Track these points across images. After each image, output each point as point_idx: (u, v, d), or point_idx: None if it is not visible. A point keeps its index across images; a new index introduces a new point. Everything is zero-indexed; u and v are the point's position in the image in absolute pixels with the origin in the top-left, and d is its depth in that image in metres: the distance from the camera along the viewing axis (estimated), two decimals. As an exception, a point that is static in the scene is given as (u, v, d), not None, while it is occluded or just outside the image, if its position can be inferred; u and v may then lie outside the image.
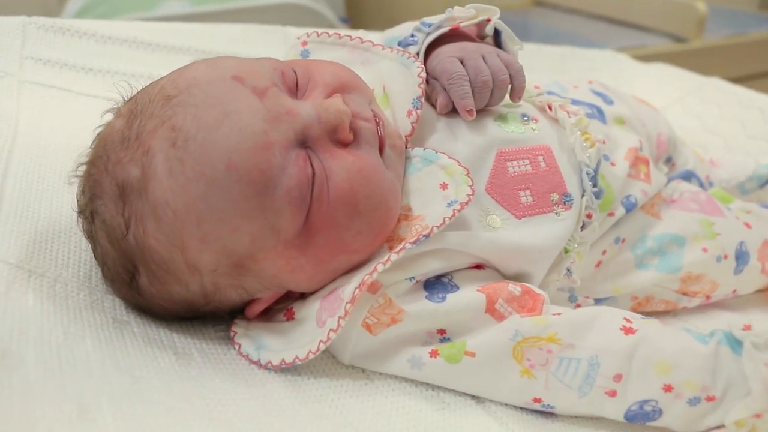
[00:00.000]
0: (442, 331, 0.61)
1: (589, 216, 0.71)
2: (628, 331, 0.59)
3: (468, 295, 0.61)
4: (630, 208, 0.78)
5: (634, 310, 0.82)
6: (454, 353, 0.59)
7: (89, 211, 0.58)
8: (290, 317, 0.62)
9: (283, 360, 0.58)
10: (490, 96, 0.69)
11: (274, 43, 1.07)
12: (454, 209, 0.59)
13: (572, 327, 0.59)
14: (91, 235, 0.60)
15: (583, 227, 0.71)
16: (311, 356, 0.57)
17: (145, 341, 0.57)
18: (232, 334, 0.62)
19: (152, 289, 0.58)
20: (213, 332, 0.63)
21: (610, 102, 0.91)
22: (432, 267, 0.61)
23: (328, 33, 0.74)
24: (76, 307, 0.57)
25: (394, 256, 0.57)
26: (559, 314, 0.61)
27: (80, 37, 0.90)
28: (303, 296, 0.63)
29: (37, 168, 0.72)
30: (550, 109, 0.74)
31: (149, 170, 0.54)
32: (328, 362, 0.62)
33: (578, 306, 0.79)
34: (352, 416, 0.55)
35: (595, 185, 0.72)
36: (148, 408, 0.48)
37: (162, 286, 0.58)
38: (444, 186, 0.63)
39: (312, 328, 0.59)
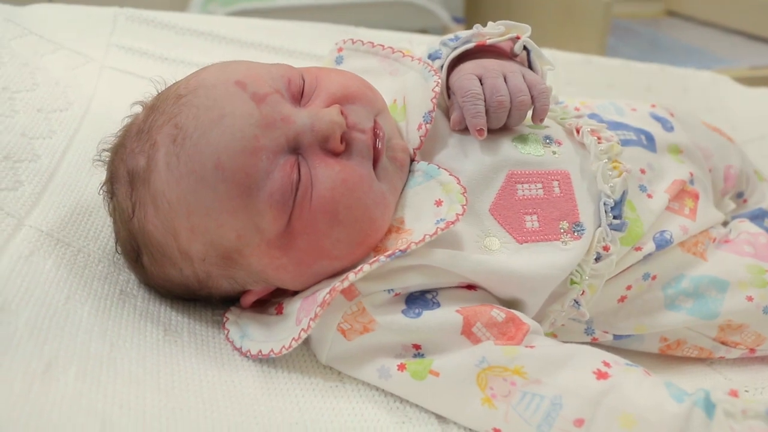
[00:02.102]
0: (417, 346, 0.61)
1: (606, 248, 0.67)
2: (602, 375, 0.56)
3: (444, 315, 0.60)
4: (663, 244, 0.73)
5: (662, 352, 0.78)
6: (420, 370, 0.59)
7: (108, 193, 0.65)
8: (279, 312, 0.65)
9: (260, 351, 0.61)
10: (508, 116, 0.68)
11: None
12: (438, 227, 0.59)
13: (542, 362, 0.57)
14: (110, 214, 0.66)
15: (598, 259, 0.68)
16: (284, 351, 0.60)
17: (141, 315, 0.63)
18: (224, 319, 0.66)
19: (152, 269, 0.63)
20: (210, 316, 0.68)
21: (669, 128, 0.85)
22: (413, 282, 0.62)
23: (362, 41, 0.76)
24: (90, 276, 0.64)
25: (367, 267, 0.58)
26: (532, 347, 0.59)
27: (162, 29, 0.99)
28: (295, 293, 0.66)
29: (95, 147, 0.80)
30: (578, 132, 0.71)
31: (153, 162, 0.60)
32: (308, 360, 0.64)
33: (594, 340, 0.76)
34: (308, 414, 0.57)
35: (618, 217, 0.68)
36: (113, 375, 0.53)
37: (160, 267, 0.63)
38: (439, 203, 0.63)
39: (291, 325, 0.61)
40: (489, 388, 0.57)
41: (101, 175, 0.77)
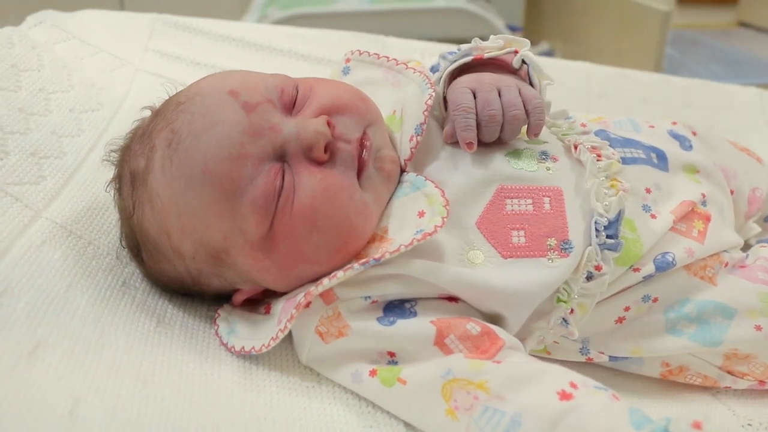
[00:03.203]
0: (392, 354, 0.62)
1: (598, 268, 0.66)
2: (565, 396, 0.55)
3: (418, 325, 0.61)
4: (664, 266, 0.71)
5: (664, 377, 0.76)
6: (389, 377, 0.60)
7: (115, 190, 0.69)
8: (267, 311, 0.68)
9: (243, 347, 0.64)
10: (502, 130, 0.68)
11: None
12: (414, 238, 0.60)
13: (507, 379, 0.57)
14: (117, 210, 0.71)
15: (590, 278, 0.67)
16: (264, 349, 0.63)
17: (138, 307, 0.67)
18: (216, 315, 0.69)
19: (150, 264, 0.67)
20: (205, 312, 0.71)
21: (687, 147, 0.83)
22: (391, 290, 0.63)
23: (368, 53, 0.78)
24: (96, 268, 0.69)
25: (341, 273, 0.60)
26: (499, 363, 0.59)
27: (197, 35, 1.04)
28: (283, 294, 0.68)
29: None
30: (576, 149, 0.70)
31: (150, 164, 0.64)
32: (290, 360, 0.66)
33: (589, 360, 0.75)
34: (277, 411, 0.59)
35: (613, 236, 0.67)
36: (96, 361, 0.57)
37: (156, 263, 0.67)
38: (421, 214, 0.63)
39: (272, 325, 0.64)
40: (453, 400, 0.58)
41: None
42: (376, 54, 0.78)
